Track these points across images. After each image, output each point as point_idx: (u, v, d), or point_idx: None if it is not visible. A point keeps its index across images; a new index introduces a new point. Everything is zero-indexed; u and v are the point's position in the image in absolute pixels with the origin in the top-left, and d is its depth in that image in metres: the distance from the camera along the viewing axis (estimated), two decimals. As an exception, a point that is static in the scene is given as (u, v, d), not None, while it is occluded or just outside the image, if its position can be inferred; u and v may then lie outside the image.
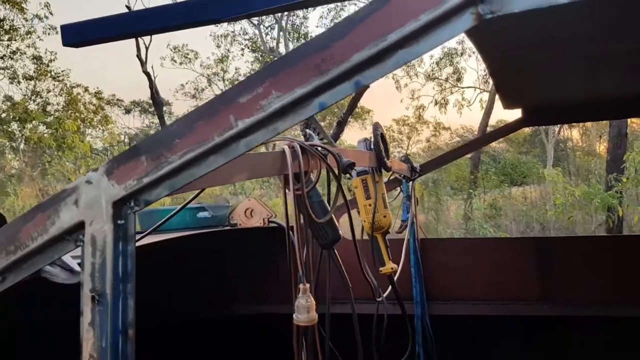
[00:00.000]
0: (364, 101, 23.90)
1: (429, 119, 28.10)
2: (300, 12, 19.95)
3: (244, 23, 20.03)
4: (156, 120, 24.67)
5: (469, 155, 18.44)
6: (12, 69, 20.41)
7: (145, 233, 2.55)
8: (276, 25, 18.82)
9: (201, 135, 0.97)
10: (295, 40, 20.14)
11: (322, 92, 0.90)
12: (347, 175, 1.99)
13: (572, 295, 3.45)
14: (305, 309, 1.67)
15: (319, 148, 1.87)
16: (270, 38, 20.04)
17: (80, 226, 1.06)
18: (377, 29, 0.85)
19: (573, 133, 24.41)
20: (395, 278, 2.98)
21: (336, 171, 1.92)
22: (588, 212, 10.65)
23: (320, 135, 2.02)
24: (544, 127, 20.45)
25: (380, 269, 2.78)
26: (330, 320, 2.12)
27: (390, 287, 2.83)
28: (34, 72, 20.10)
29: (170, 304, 3.41)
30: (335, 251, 2.02)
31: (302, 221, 1.87)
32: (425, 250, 3.67)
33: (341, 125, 21.08)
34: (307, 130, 1.98)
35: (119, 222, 1.04)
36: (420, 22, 0.83)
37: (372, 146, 2.64)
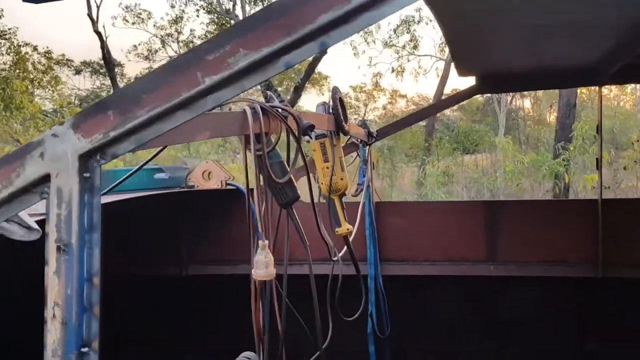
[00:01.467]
0: (322, 67, 23.79)
1: (385, 86, 28.26)
2: (257, -26, 19.49)
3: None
4: (108, 82, 23.88)
5: (423, 123, 18.72)
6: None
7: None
8: (233, -14, 18.39)
9: (169, 91, 0.99)
10: (253, 3, 19.72)
11: (288, 51, 0.94)
12: (307, 137, 2.03)
13: (514, 256, 3.63)
14: (263, 264, 1.73)
15: (280, 109, 1.90)
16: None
17: (45, 179, 1.08)
18: None
19: (525, 103, 25.06)
20: (351, 239, 3.08)
21: (296, 133, 1.96)
22: (536, 179, 11.07)
23: (280, 97, 2.04)
24: (496, 96, 20.90)
25: (337, 229, 2.86)
26: (288, 279, 2.19)
27: (345, 247, 2.93)
28: (-21, 28, 19.08)
29: (127, 262, 3.42)
30: (294, 211, 2.07)
31: (262, 181, 1.92)
32: (379, 213, 3.78)
33: (298, 90, 20.97)
34: (268, 92, 2.01)
35: (85, 174, 1.05)
36: None
37: (330, 110, 2.68)
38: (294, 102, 20.05)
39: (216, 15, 19.86)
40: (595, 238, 3.49)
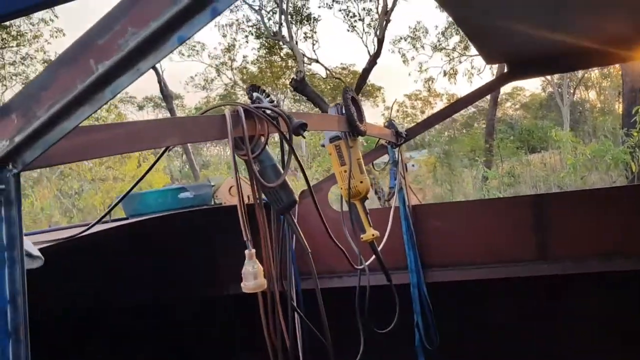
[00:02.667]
0: (373, 79, 23.65)
1: (439, 90, 27.72)
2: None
3: (247, 10, 19.89)
4: (169, 114, 24.81)
5: (483, 125, 18.11)
6: (25, 74, 20.62)
7: (96, 220, 2.50)
8: (277, 9, 18.60)
9: (64, 84, 0.90)
10: (299, 23, 19.94)
11: (179, 24, 0.83)
12: (302, 136, 1.91)
13: (569, 252, 3.33)
14: (252, 275, 1.61)
15: (267, 111, 1.80)
16: (273, 22, 19.86)
17: None
18: None
19: (590, 94, 23.85)
20: (385, 247, 2.91)
21: (286, 134, 1.85)
22: (604, 171, 10.37)
23: (269, 97, 1.93)
24: (558, 90, 20.00)
25: (362, 236, 2.70)
26: (308, 293, 2.07)
27: (373, 255, 2.76)
28: (46, 75, 20.25)
29: (166, 286, 3.39)
30: (293, 217, 1.95)
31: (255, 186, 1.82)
32: (418, 217, 3.58)
33: (352, 104, 20.79)
34: (255, 93, 1.90)
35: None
36: None
37: (342, 110, 2.56)
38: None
39: (264, 38, 20.20)
40: None
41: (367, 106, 28.45)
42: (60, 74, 0.90)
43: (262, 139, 1.81)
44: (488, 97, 17.79)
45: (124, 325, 2.97)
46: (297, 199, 1.91)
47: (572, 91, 20.60)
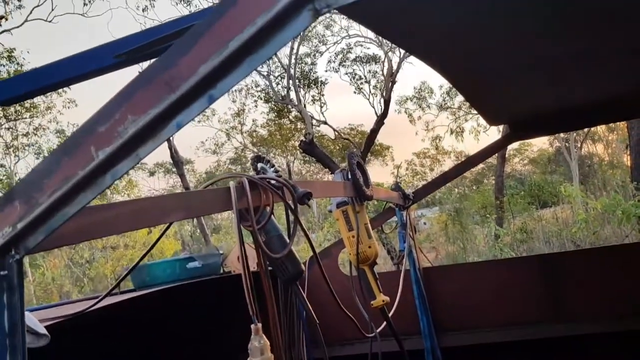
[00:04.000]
0: (381, 138, 23.92)
1: (447, 148, 27.93)
2: (308, 59, 20.29)
3: (255, 75, 20.44)
4: (180, 180, 25.11)
5: (491, 181, 18.10)
6: (37, 145, 21.09)
7: (104, 294, 2.49)
8: (285, 74, 19.12)
9: (66, 172, 0.92)
10: (306, 87, 20.42)
11: (177, 111, 0.85)
12: (307, 205, 1.92)
13: (584, 311, 3.25)
14: (258, 351, 1.58)
15: (272, 181, 1.82)
16: (281, 87, 20.38)
17: None
18: (219, 38, 0.80)
19: (597, 148, 23.91)
20: (397, 312, 2.86)
21: (291, 203, 1.86)
22: (616, 225, 10.25)
23: (274, 167, 1.96)
24: (565, 144, 20.08)
25: (372, 302, 2.66)
26: None
27: (385, 322, 2.71)
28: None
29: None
30: (299, 287, 1.93)
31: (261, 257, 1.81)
32: (429, 279, 3.53)
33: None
34: (259, 164, 1.93)
35: (1, 273, 0.98)
36: (257, 26, 0.78)
37: (348, 176, 2.58)
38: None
39: (273, 102, 20.65)
40: None
41: (376, 165, 28.68)
42: (63, 161, 0.92)
43: (267, 209, 1.82)
44: (496, 153, 17.87)
45: None
46: (304, 269, 1.90)
47: (579, 145, 20.68)
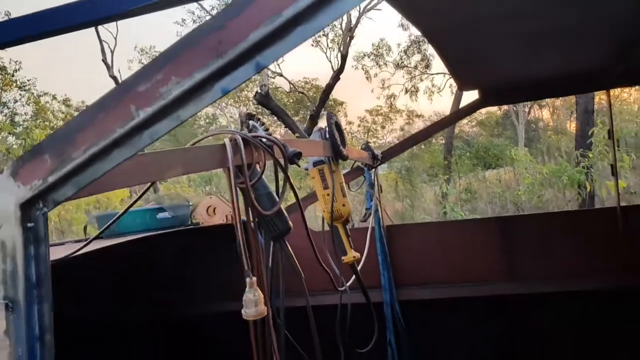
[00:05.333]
0: (336, 93, 23.89)
1: (401, 107, 28.21)
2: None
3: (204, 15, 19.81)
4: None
5: (442, 141, 18.54)
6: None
7: (91, 238, 2.49)
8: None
9: (102, 128, 0.92)
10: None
11: (222, 76, 0.87)
12: (297, 164, 1.96)
13: (535, 272, 3.48)
14: (252, 303, 1.64)
15: (264, 139, 1.84)
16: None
17: None
18: (273, 4, 0.82)
19: (543, 113, 24.72)
20: (361, 266, 2.97)
21: (282, 162, 1.89)
22: (559, 189, 10.79)
23: (264, 125, 1.98)
24: (514, 108, 20.65)
25: (343, 258, 2.76)
26: (291, 313, 2.10)
27: (354, 276, 2.82)
28: (-2, 82, 19.67)
29: (133, 306, 3.35)
30: (287, 242, 1.99)
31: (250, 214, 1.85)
32: (391, 237, 3.67)
33: (314, 118, 21.04)
34: (251, 122, 1.95)
35: (28, 224, 0.99)
36: None
37: (327, 135, 2.62)
38: (309, 131, 20.08)
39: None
40: (618, 247, 3.32)
41: (328, 121, 28.61)
42: (99, 117, 0.92)
43: (258, 167, 1.84)
44: (446, 114, 18.23)
45: (96, 349, 2.93)
46: (292, 226, 1.96)
47: (527, 110, 21.35)
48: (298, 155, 1.94)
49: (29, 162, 0.98)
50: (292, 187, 1.94)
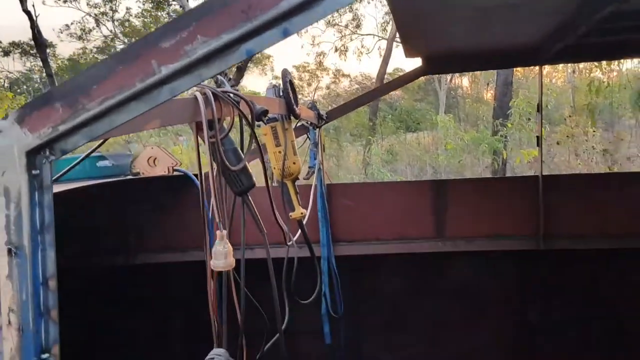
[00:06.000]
0: (264, 46, 23.43)
1: (329, 65, 28.20)
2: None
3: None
4: (39, 63, 22.76)
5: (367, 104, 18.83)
6: None
7: None
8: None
9: (121, 81, 0.94)
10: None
11: (249, 38, 0.90)
12: (263, 122, 1.99)
13: (461, 232, 3.74)
14: (222, 255, 1.70)
15: (232, 95, 1.86)
16: (164, -24, 18.96)
17: None
18: None
19: (463, 81, 25.61)
20: (304, 222, 3.08)
21: (249, 118, 1.92)
22: (476, 155, 11.41)
23: (231, 81, 1.99)
24: (436, 75, 21.28)
25: (290, 214, 2.85)
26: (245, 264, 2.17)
27: (299, 231, 2.92)
28: None
29: (76, 254, 3.30)
30: (250, 198, 2.04)
31: (215, 169, 1.87)
32: (331, 195, 3.79)
33: (241, 70, 20.63)
34: (219, 77, 1.95)
35: (33, 172, 0.99)
36: None
37: (281, 93, 2.64)
38: (236, 82, 19.73)
39: (152, -8, 19.18)
40: (537, 212, 3.63)
41: (255, 73, 28.27)
42: (118, 70, 0.93)
43: (225, 122, 1.87)
44: (374, 76, 18.50)
45: None
46: (255, 182, 2.00)
47: (448, 77, 22.04)
48: (265, 112, 1.98)
49: (37, 111, 0.97)
50: (257, 144, 1.98)
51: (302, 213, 2.83)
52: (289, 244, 2.75)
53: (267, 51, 27.70)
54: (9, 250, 0.99)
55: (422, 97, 27.26)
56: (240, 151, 1.97)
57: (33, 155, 0.98)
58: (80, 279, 3.33)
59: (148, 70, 0.92)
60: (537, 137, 3.69)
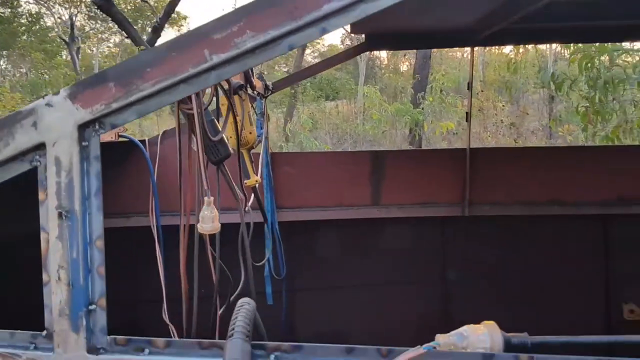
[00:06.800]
0: (181, 6, 22.73)
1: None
2: None
3: None
4: None
5: (284, 69, 18.90)
6: None
7: None
8: None
9: (174, 66, 1.06)
10: None
11: (292, 34, 1.05)
12: (239, 96, 2.12)
13: (395, 200, 4.05)
14: (210, 219, 1.84)
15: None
16: None
17: (37, 147, 1.10)
18: None
19: (382, 53, 26.18)
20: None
21: (227, 90, 2.05)
22: (397, 127, 11.92)
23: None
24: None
25: (246, 181, 2.99)
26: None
27: (253, 197, 3.08)
28: None
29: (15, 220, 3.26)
30: (225, 167, 2.17)
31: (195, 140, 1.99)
32: (275, 164, 3.96)
33: (157, 31, 19.93)
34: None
35: (83, 143, 1.10)
36: None
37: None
38: (152, 43, 19.04)
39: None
40: (463, 182, 4.00)
41: (170, 34, 27.31)
42: (172, 56, 1.05)
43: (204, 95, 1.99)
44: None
45: None
46: (232, 151, 2.13)
47: (368, 48, 22.45)
48: (241, 86, 2.11)
49: (90, 89, 1.07)
50: (234, 116, 2.11)
51: (256, 180, 2.98)
52: (245, 209, 2.91)
53: (185, 12, 26.85)
54: (60, 214, 1.10)
55: (342, 66, 27.60)
56: (216, 123, 2.10)
57: (84, 129, 1.09)
58: (23, 247, 3.31)
59: (201, 58, 1.05)
60: (467, 112, 4.03)
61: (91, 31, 29.65)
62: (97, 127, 1.10)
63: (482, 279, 4.23)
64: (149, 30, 21.20)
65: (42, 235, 1.12)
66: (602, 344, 1.19)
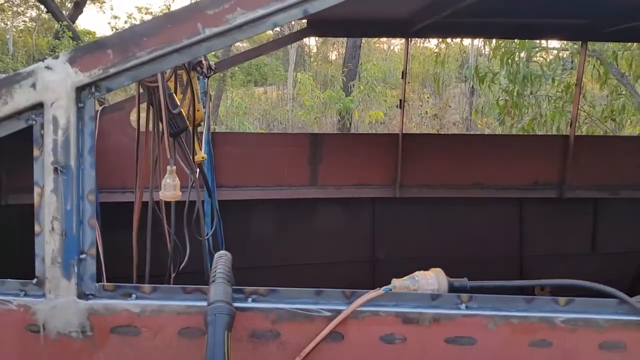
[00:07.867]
0: (106, -17, 21.82)
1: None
2: None
3: None
4: None
5: (219, 55, 18.65)
6: None
7: None
8: None
9: (170, 37, 1.17)
10: None
11: (277, 14, 1.19)
12: (197, 73, 2.21)
13: (332, 181, 4.25)
14: (172, 187, 1.94)
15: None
16: None
17: (34, 107, 1.18)
18: None
19: (311, 40, 26.33)
20: None
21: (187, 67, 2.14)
22: (326, 114, 12.15)
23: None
24: (287, 31, 21.69)
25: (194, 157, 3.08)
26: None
27: (198, 173, 3.17)
28: None
29: None
30: (182, 139, 2.27)
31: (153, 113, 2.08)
32: (216, 143, 4.04)
33: (79, 6, 19.14)
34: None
35: (79, 105, 1.19)
36: None
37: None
38: (73, 18, 18.23)
39: None
40: (395, 165, 4.26)
41: (92, 11, 26.19)
42: (167, 28, 1.16)
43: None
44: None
45: None
46: (188, 125, 2.23)
47: (298, 35, 22.49)
48: (200, 63, 2.21)
49: (89, 54, 1.17)
50: (192, 91, 2.21)
51: (203, 157, 3.07)
52: (191, 185, 3.00)
53: (109, -12, 25.71)
54: (55, 169, 1.19)
55: (271, 52, 27.51)
56: (175, 97, 2.19)
57: (80, 91, 1.18)
58: None
59: (194, 30, 1.17)
60: (400, 100, 4.29)
61: (6, 4, 27.83)
62: (93, 90, 1.19)
63: (408, 258, 4.53)
64: (69, 5, 20.29)
65: (36, 190, 1.20)
66: (527, 287, 1.43)
